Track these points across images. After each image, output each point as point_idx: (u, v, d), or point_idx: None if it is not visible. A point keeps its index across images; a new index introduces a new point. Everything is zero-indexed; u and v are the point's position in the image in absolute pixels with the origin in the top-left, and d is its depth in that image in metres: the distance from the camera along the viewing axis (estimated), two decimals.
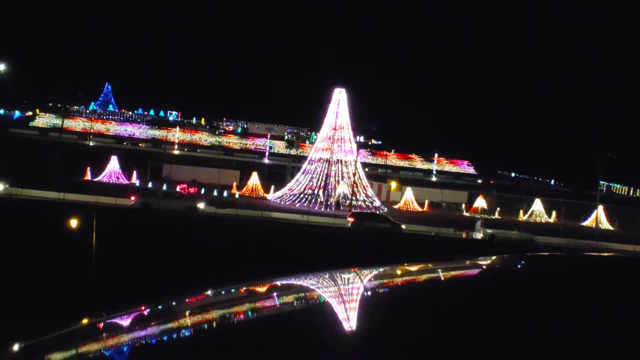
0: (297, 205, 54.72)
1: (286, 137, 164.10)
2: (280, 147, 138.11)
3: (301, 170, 61.82)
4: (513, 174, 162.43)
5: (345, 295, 2.65)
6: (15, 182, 43.60)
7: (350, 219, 44.95)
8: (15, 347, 1.90)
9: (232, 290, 2.76)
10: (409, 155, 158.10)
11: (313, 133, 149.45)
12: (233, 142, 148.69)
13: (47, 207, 36.29)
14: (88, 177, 60.07)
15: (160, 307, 2.51)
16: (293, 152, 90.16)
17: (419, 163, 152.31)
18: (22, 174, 46.63)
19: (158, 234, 26.83)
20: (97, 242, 13.48)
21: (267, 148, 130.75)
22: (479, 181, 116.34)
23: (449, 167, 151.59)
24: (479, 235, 43.99)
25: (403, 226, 44.92)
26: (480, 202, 67.83)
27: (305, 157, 68.72)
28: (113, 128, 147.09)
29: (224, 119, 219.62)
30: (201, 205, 43.79)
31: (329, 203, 56.55)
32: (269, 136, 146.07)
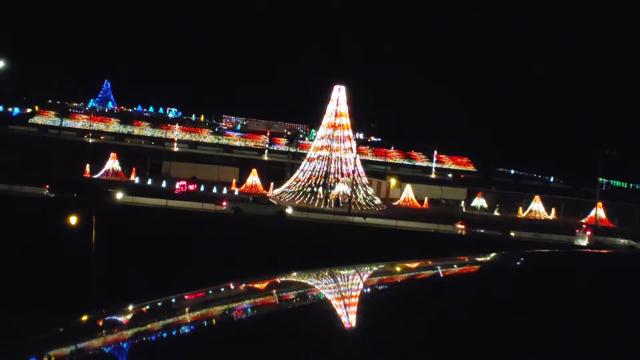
0: (296, 202, 54.68)
1: (285, 134, 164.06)
2: (279, 144, 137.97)
3: (300, 167, 61.79)
4: (513, 171, 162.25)
5: (344, 292, 2.65)
6: (130, 191, 44.88)
7: (461, 226, 42.99)
8: (18, 343, 1.91)
9: (232, 287, 2.76)
10: (409, 152, 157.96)
11: (312, 130, 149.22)
12: (232, 139, 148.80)
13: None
14: (87, 174, 59.97)
15: (159, 304, 2.51)
16: (292, 149, 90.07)
17: (418, 160, 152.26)
18: (22, 172, 46.78)
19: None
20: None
21: (267, 145, 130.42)
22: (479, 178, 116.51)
23: (448, 164, 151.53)
24: (583, 242, 42.42)
25: (512, 233, 42.87)
26: (480, 200, 67.82)
27: (304, 154, 68.66)
28: (112, 125, 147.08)
29: (224, 116, 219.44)
30: (289, 210, 44.27)
31: (328, 200, 56.49)
32: (268, 133, 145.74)
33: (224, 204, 43.49)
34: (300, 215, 44.42)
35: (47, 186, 41.81)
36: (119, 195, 42.67)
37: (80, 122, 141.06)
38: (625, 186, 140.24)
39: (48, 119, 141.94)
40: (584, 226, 48.48)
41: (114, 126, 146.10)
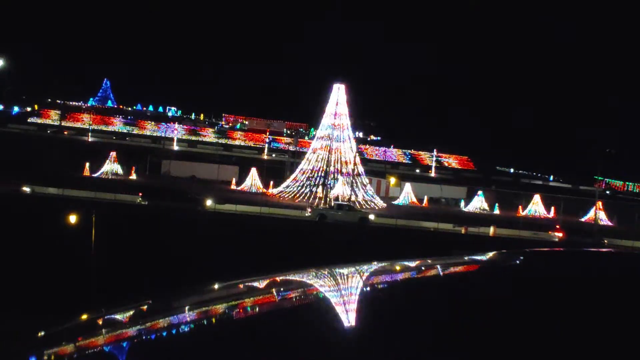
0: (297, 201, 54.68)
1: (285, 133, 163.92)
2: (279, 143, 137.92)
3: (300, 166, 61.79)
4: (512, 170, 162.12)
5: (343, 291, 2.65)
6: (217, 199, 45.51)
7: (558, 234, 41.53)
8: (18, 343, 1.91)
9: (232, 286, 2.76)
10: (408, 150, 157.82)
11: (312, 129, 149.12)
12: (232, 137, 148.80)
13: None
14: (87, 172, 59.88)
15: (159, 303, 2.51)
16: (292, 148, 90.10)
17: (417, 158, 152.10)
18: (21, 171, 46.78)
19: None
20: None
21: (266, 144, 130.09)
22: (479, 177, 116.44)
23: (448, 163, 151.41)
24: None
25: (605, 240, 41.74)
26: (479, 198, 67.76)
27: (304, 153, 68.65)
28: (111, 123, 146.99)
29: (223, 114, 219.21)
30: (371, 217, 44.64)
31: (327, 199, 56.47)
32: (268, 132, 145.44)
33: (309, 210, 44.03)
34: (385, 221, 44.44)
35: (140, 194, 42.94)
36: (209, 202, 43.46)
37: (79, 120, 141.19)
38: (621, 184, 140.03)
39: (47, 117, 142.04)
40: None
41: (114, 125, 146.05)
